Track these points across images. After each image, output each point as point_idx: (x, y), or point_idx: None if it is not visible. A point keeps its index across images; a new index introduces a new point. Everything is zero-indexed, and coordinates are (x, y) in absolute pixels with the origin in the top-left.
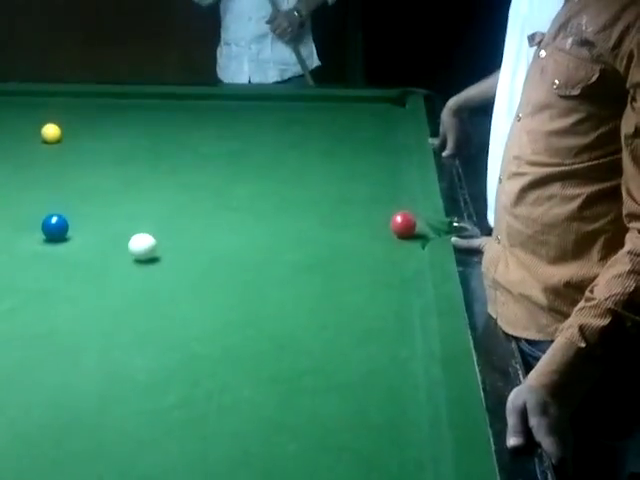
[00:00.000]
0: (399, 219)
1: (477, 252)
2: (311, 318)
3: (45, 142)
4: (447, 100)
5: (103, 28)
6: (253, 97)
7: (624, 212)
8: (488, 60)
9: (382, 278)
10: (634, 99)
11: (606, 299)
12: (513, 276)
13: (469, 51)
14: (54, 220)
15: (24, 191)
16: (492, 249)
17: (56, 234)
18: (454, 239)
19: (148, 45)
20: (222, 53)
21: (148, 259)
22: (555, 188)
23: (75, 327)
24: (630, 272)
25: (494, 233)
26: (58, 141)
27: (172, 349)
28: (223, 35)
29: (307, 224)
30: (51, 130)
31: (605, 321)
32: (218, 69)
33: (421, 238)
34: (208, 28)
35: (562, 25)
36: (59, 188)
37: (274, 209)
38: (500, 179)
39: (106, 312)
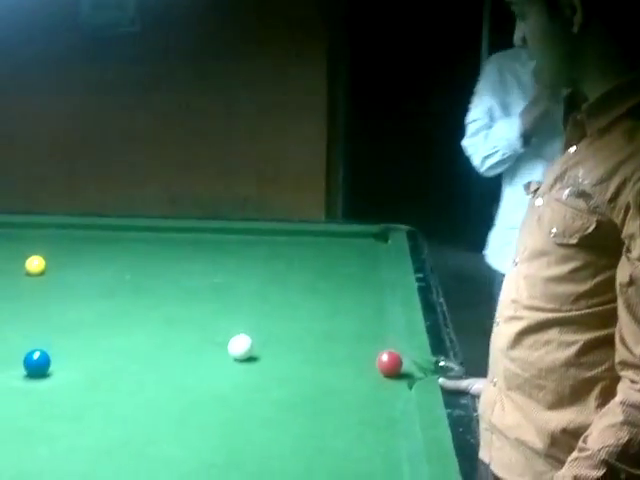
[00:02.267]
0: (385, 358)
1: (464, 393)
2: (296, 461)
3: (29, 274)
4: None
5: (87, 159)
6: (237, 231)
7: (616, 360)
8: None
9: (368, 418)
10: (629, 250)
11: (599, 450)
12: (509, 420)
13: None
14: (36, 356)
15: (6, 324)
16: (488, 391)
17: (37, 370)
18: (441, 380)
19: (133, 179)
20: (496, 238)
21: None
22: (552, 333)
23: (53, 468)
24: (623, 423)
25: (489, 376)
26: (42, 273)
27: None
28: (501, 220)
29: (292, 361)
30: (35, 262)
31: (599, 472)
32: (488, 254)
33: (407, 377)
34: (189, 159)
35: (558, 176)
36: (42, 321)
37: (258, 345)
38: (497, 322)
39: (86, 453)
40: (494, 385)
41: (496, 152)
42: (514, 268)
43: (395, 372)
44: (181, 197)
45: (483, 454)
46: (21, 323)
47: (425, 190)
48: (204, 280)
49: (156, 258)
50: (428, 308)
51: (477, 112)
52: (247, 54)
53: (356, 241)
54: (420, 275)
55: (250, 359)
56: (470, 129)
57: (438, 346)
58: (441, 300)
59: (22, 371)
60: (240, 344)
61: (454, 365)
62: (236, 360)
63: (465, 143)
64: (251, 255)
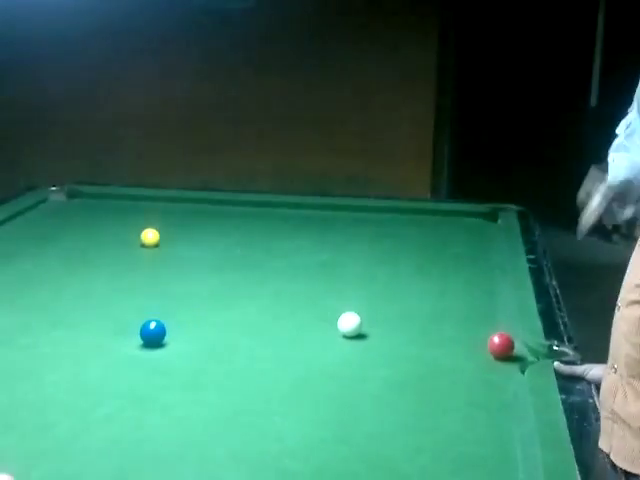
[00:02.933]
0: (497, 339)
1: (580, 379)
2: (406, 439)
3: (144, 246)
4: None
5: (200, 138)
6: (344, 208)
7: None
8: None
9: (479, 400)
10: None
11: None
12: (632, 408)
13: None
14: (152, 326)
15: (122, 294)
16: (608, 378)
17: (154, 340)
18: (556, 364)
19: (243, 154)
20: None
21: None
22: None
23: (170, 436)
24: None
25: (609, 361)
26: (156, 245)
27: (265, 465)
28: None
29: (400, 340)
30: (150, 235)
31: None
32: None
33: (519, 360)
34: (298, 136)
35: None
36: (157, 293)
37: (367, 323)
38: (619, 306)
39: (200, 423)
40: (615, 372)
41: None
42: (638, 248)
43: (507, 354)
44: (288, 173)
45: (602, 443)
46: (137, 294)
47: (535, 173)
48: (312, 257)
49: (265, 233)
50: (540, 291)
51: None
52: (359, 32)
53: (465, 220)
54: (532, 257)
55: (359, 336)
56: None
57: (551, 330)
58: (554, 283)
59: (138, 340)
60: (350, 321)
61: (568, 350)
62: (345, 337)
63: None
64: (359, 232)
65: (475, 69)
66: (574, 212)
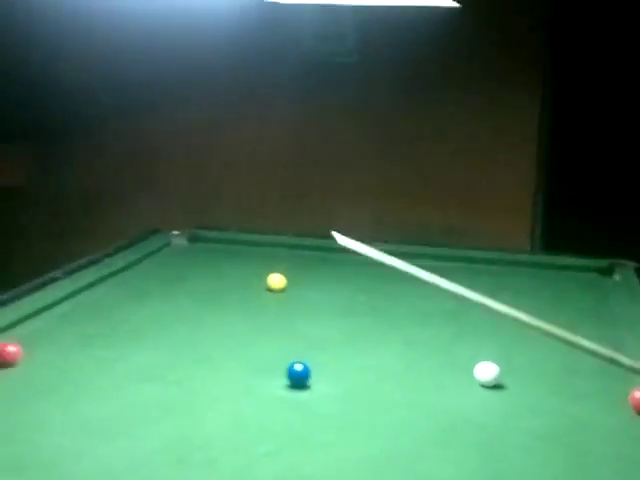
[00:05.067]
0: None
1: None
2: None
3: (269, 290)
4: None
5: (300, 186)
6: (460, 259)
7: None
8: None
9: (628, 454)
10: None
11: None
12: None
13: None
14: (299, 368)
15: (258, 335)
16: None
17: (300, 381)
18: None
19: (342, 203)
20: None
21: None
22: None
23: (333, 474)
24: None
25: None
26: (282, 290)
27: None
28: None
29: (538, 391)
30: (277, 279)
31: None
32: None
33: None
34: (397, 184)
35: None
36: (290, 335)
37: (502, 373)
38: None
39: (358, 463)
40: None
41: None
42: None
43: None
44: (387, 221)
45: None
46: (272, 335)
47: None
48: (436, 304)
49: (386, 280)
50: None
51: None
52: (458, 85)
53: (580, 275)
54: None
55: (496, 386)
56: None
57: None
58: None
59: (284, 381)
60: (489, 371)
61: None
62: (482, 386)
63: None
64: (478, 284)
65: (572, 114)
66: None
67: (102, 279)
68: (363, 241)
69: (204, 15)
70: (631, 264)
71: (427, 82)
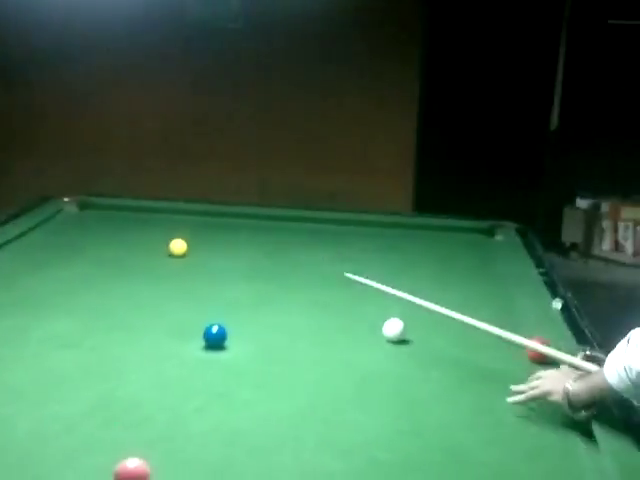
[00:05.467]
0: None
1: None
2: (473, 433)
3: (171, 256)
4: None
5: (184, 152)
6: (347, 222)
7: None
8: None
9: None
10: None
11: None
12: None
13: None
14: (215, 329)
15: (167, 301)
16: None
17: (217, 342)
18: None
19: (228, 169)
20: None
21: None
22: None
23: (260, 429)
24: None
25: None
26: (184, 255)
27: (356, 453)
28: None
29: (439, 344)
30: (179, 244)
31: None
32: None
33: (555, 364)
34: (283, 152)
35: None
36: (198, 299)
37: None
38: None
39: (283, 417)
40: None
41: None
42: None
43: (544, 359)
44: (273, 187)
45: None
46: (180, 299)
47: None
48: (335, 268)
49: (286, 245)
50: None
51: None
52: (343, 55)
53: (464, 236)
54: (542, 270)
55: (402, 341)
56: None
57: (580, 337)
58: (569, 294)
59: (201, 343)
60: (394, 326)
61: (601, 355)
62: (389, 341)
63: None
64: (371, 246)
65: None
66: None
67: None
68: (251, 204)
69: None
70: (511, 225)
71: (313, 53)
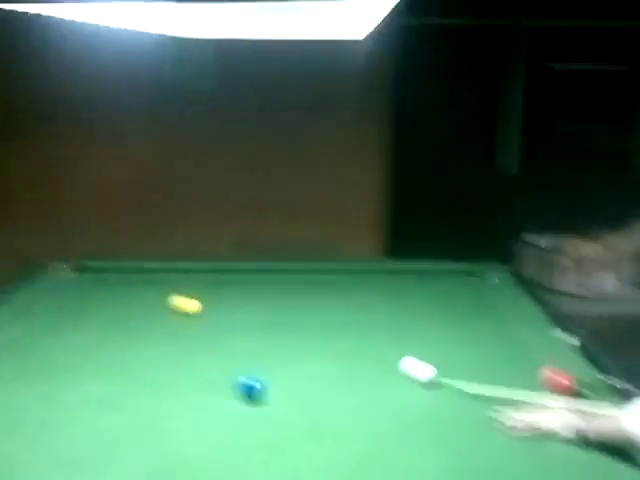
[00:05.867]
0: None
1: None
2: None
3: (178, 312)
4: None
5: (159, 212)
6: (339, 272)
7: None
8: None
9: None
10: None
11: None
12: None
13: None
14: (256, 384)
15: (190, 358)
16: None
17: (257, 396)
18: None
19: (204, 227)
20: None
21: None
22: None
23: (326, 477)
24: None
25: None
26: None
27: None
28: None
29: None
30: (188, 303)
31: None
32: None
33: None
34: (255, 207)
35: None
36: (219, 354)
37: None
38: None
39: (343, 463)
40: None
41: None
42: None
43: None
44: (247, 242)
45: None
46: (201, 355)
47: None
48: (341, 316)
49: (286, 295)
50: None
51: None
52: (310, 109)
53: (460, 279)
54: (540, 306)
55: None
56: None
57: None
58: (582, 330)
59: (236, 396)
60: (426, 371)
61: (620, 383)
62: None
63: None
64: (378, 293)
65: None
66: None
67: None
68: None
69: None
70: (498, 265)
71: (282, 109)
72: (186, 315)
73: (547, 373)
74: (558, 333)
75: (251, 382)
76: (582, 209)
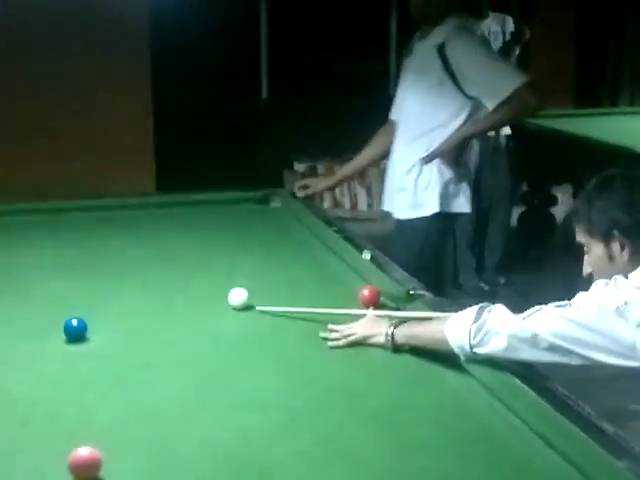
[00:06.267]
0: (366, 292)
1: None
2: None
3: None
4: None
5: None
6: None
7: None
8: None
9: None
10: None
11: None
12: None
13: None
14: (74, 322)
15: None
16: None
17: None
18: None
19: None
20: None
21: None
22: None
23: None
24: None
25: None
26: None
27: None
28: None
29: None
30: None
31: None
32: None
33: (386, 307)
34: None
35: None
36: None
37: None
38: None
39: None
40: None
41: None
42: None
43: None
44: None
45: None
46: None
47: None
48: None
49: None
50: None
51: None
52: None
53: (241, 207)
54: (335, 228)
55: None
56: None
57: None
58: (369, 246)
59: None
60: (239, 295)
61: (424, 292)
62: (234, 309)
63: None
64: (158, 227)
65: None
66: None
67: None
68: None
69: None
70: (284, 191)
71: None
72: None
73: (361, 290)
74: (364, 254)
75: (74, 321)
76: (337, 133)
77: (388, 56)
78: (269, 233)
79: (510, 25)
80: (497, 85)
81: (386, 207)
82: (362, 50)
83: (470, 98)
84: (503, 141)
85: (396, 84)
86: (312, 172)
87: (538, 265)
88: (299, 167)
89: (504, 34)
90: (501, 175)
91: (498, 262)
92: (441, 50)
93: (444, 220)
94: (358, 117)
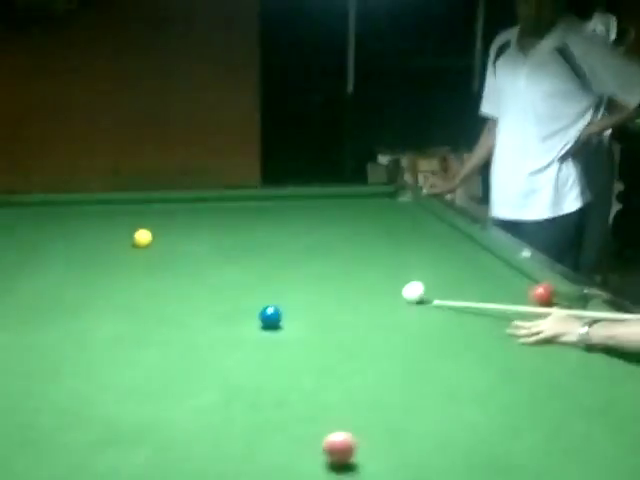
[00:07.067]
0: (541, 290)
1: None
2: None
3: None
4: None
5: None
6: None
7: None
8: None
9: None
10: None
11: None
12: None
13: None
14: (270, 311)
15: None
16: None
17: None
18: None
19: (77, 154)
20: None
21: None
22: None
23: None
24: None
25: None
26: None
27: None
28: None
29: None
30: (144, 235)
31: None
32: None
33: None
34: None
35: None
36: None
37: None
38: None
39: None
40: None
41: None
42: None
43: (549, 301)
44: (125, 169)
45: None
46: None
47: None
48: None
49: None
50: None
51: None
52: (182, 31)
53: (368, 201)
54: (479, 225)
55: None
56: None
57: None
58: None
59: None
60: (415, 288)
61: (599, 291)
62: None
63: None
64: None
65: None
66: None
67: None
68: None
69: None
70: (413, 186)
71: (150, 35)
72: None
73: (536, 288)
74: (524, 252)
75: (270, 309)
76: (421, 127)
77: (473, 52)
78: (412, 227)
79: (614, 25)
80: (636, 82)
81: (504, 213)
82: (447, 45)
83: (595, 95)
84: (606, 139)
85: (482, 80)
86: (396, 165)
87: (634, 265)
88: (383, 160)
89: (609, 34)
90: (603, 173)
91: (595, 261)
92: (562, 52)
93: (582, 215)
94: (441, 112)
